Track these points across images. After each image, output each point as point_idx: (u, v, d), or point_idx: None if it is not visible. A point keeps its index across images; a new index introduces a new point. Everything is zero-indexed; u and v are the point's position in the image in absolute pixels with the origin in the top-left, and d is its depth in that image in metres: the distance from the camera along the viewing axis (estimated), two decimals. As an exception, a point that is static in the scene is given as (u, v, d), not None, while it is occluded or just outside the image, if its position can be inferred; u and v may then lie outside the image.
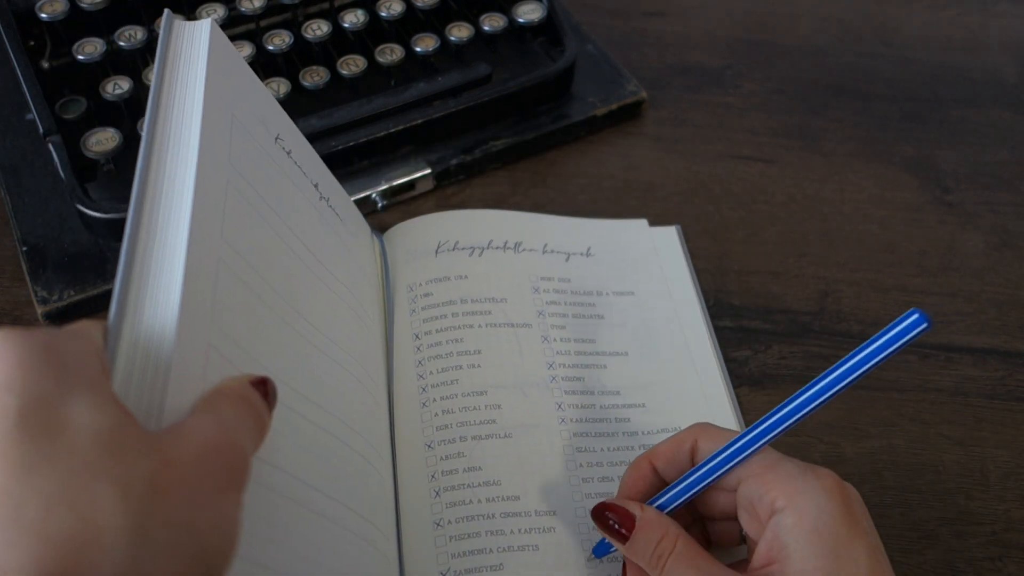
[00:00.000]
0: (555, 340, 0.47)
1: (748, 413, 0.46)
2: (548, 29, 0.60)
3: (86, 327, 0.26)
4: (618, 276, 0.50)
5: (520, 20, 0.59)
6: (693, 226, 0.54)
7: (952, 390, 0.47)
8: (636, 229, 0.53)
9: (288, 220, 0.38)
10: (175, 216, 0.29)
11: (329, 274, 0.41)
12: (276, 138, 0.39)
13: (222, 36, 0.36)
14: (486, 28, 0.58)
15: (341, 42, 0.57)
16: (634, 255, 0.51)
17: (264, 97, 0.39)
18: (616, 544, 0.35)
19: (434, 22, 0.59)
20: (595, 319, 0.48)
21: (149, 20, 0.54)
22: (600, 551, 0.39)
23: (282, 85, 0.54)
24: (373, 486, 0.39)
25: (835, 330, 0.50)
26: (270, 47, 0.55)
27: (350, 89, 0.56)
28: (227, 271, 0.31)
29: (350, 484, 0.37)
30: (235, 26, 0.57)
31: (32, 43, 0.54)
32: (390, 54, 0.56)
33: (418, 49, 0.57)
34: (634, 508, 0.35)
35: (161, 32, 0.34)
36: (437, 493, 0.41)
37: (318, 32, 0.56)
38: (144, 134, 0.31)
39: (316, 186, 0.43)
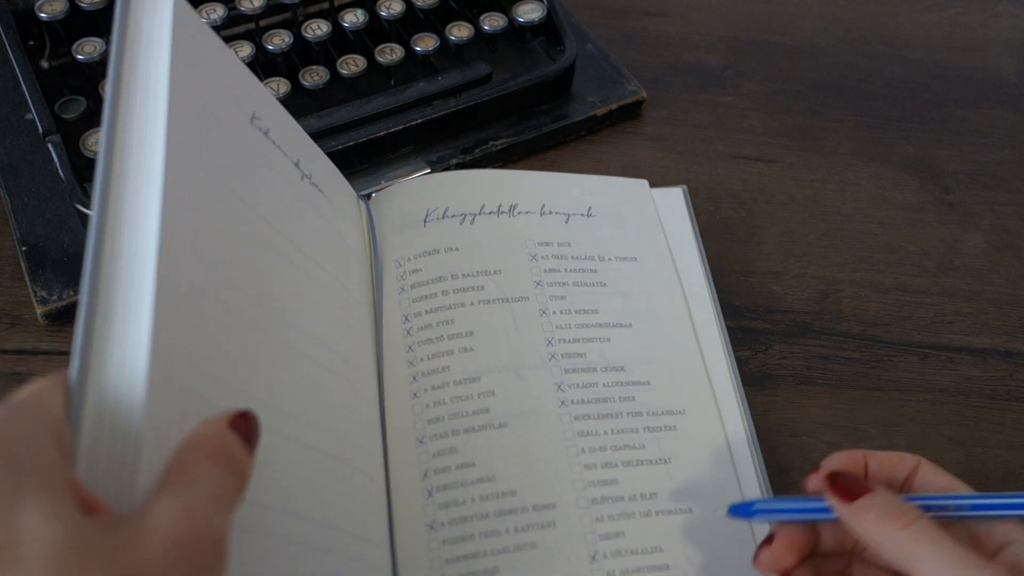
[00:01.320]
0: (555, 313, 0.44)
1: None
2: (548, 29, 0.60)
3: (43, 395, 0.24)
4: (621, 240, 0.48)
5: (520, 20, 0.58)
6: (693, 226, 0.54)
7: (952, 390, 0.47)
8: (637, 189, 0.51)
9: (266, 213, 0.35)
10: (140, 245, 0.26)
11: (314, 264, 0.39)
12: (252, 118, 0.36)
13: (187, 8, 0.32)
14: (486, 28, 0.58)
15: (341, 42, 0.57)
16: (636, 217, 0.49)
17: (237, 71, 0.36)
18: (837, 503, 0.32)
19: (434, 22, 0.58)
20: (598, 287, 0.46)
21: (149, 20, 0.54)
22: (741, 511, 0.35)
23: (282, 85, 0.54)
24: (365, 497, 0.37)
25: (835, 330, 0.50)
26: (270, 47, 0.55)
27: (350, 89, 0.56)
28: (201, 295, 0.29)
29: (341, 503, 0.35)
30: (235, 26, 0.57)
31: (32, 43, 0.54)
32: (390, 54, 0.56)
33: (418, 49, 0.57)
34: (865, 485, 0.32)
35: (117, 11, 0.30)
36: (430, 493, 0.39)
37: (318, 32, 0.56)
38: (103, 139, 0.28)
39: (297, 164, 0.40)
